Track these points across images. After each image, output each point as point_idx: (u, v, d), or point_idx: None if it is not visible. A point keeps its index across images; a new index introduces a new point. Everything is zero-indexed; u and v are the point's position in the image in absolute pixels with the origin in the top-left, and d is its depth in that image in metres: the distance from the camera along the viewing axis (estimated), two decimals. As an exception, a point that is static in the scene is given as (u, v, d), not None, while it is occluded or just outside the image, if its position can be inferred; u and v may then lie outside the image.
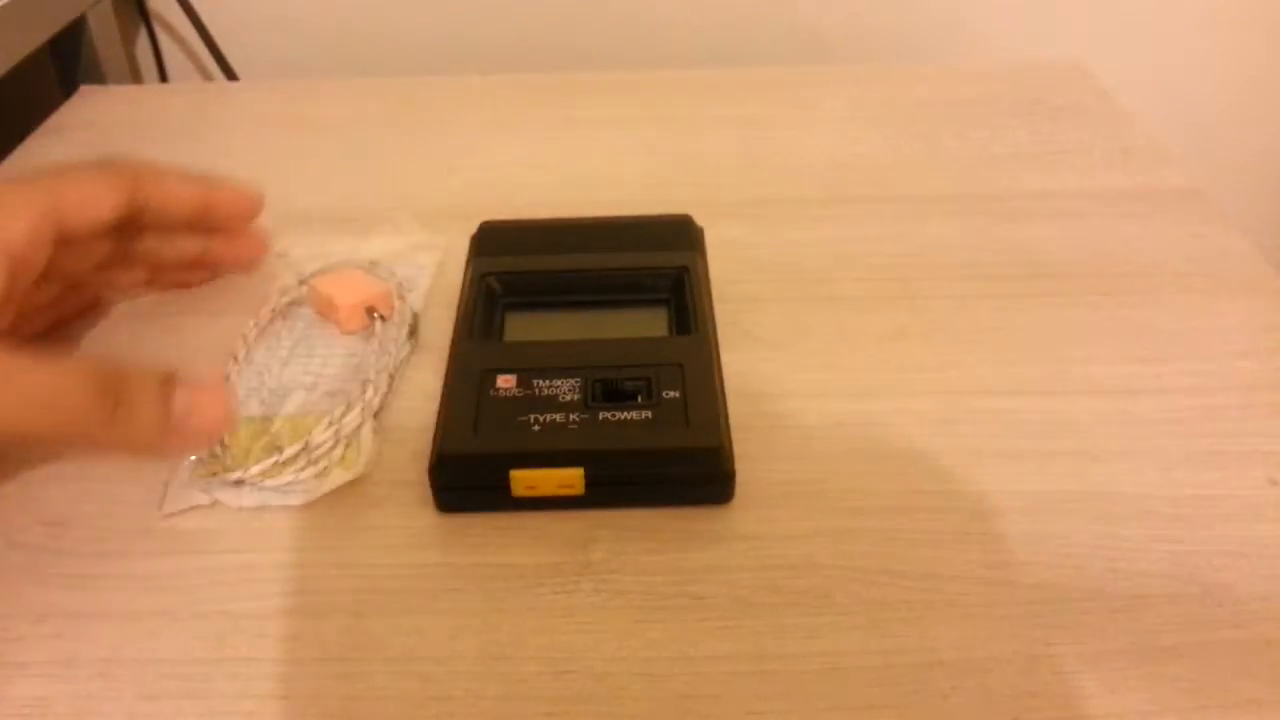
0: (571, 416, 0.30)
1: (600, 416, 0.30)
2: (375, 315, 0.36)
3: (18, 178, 0.29)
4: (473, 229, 0.40)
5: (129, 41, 0.69)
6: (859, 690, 0.26)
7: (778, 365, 0.36)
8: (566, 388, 0.31)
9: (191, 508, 0.30)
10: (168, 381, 0.27)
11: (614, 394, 0.31)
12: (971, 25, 0.72)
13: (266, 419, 0.33)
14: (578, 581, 0.28)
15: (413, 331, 0.37)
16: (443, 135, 0.52)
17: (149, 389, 0.26)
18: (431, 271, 0.40)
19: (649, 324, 0.35)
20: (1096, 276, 0.40)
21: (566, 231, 0.39)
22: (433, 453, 0.30)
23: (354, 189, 0.47)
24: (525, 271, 0.37)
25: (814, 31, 0.72)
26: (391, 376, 0.34)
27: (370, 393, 0.33)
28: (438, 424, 0.31)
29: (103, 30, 0.61)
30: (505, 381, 0.32)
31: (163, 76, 0.72)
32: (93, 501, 0.31)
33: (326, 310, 0.37)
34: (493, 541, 0.30)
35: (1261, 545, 0.29)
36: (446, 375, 0.33)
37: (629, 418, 0.30)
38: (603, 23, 0.69)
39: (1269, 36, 0.75)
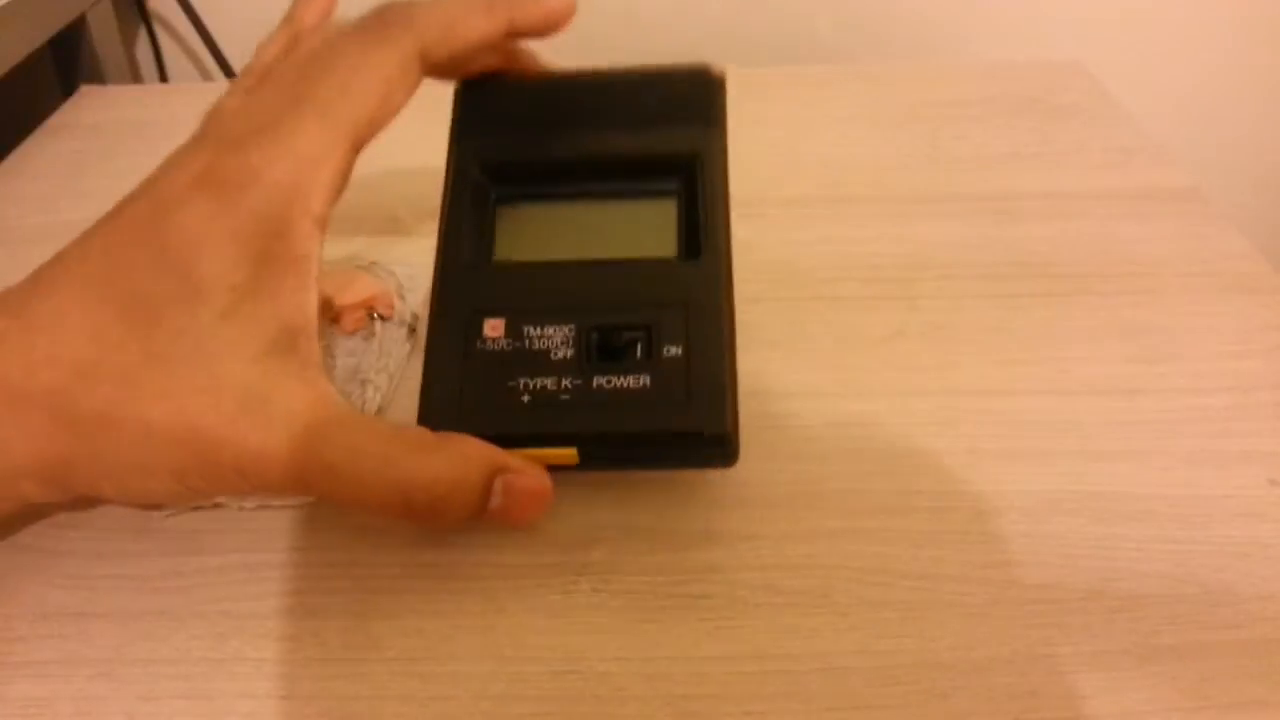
0: (564, 382, 0.28)
1: (595, 383, 0.28)
2: (375, 315, 0.36)
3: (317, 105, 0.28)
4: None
5: (129, 41, 0.69)
6: (859, 690, 0.26)
7: (778, 365, 0.36)
8: (559, 339, 0.28)
9: (192, 508, 0.30)
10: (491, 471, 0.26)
11: (610, 350, 0.28)
12: (971, 25, 0.72)
13: None
14: (578, 581, 0.28)
15: (413, 331, 0.37)
16: (443, 135, 0.52)
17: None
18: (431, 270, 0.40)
19: (656, 228, 0.31)
20: (1096, 276, 0.40)
21: (563, 93, 0.34)
22: (418, 419, 0.28)
23: (354, 188, 0.47)
24: (518, 161, 0.32)
25: (814, 31, 0.72)
26: (391, 376, 0.34)
27: (370, 393, 0.33)
28: (423, 386, 0.28)
29: (103, 30, 0.61)
30: (493, 329, 0.29)
31: (163, 76, 0.72)
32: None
33: (325, 311, 0.37)
34: (493, 541, 0.30)
35: (1262, 545, 0.29)
36: (431, 312, 0.29)
37: (626, 385, 0.28)
38: (602, 23, 0.69)
39: (1269, 37, 0.75)
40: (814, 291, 0.40)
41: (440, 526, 0.26)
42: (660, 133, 0.32)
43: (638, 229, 0.31)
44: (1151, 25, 0.73)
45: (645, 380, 0.28)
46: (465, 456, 0.26)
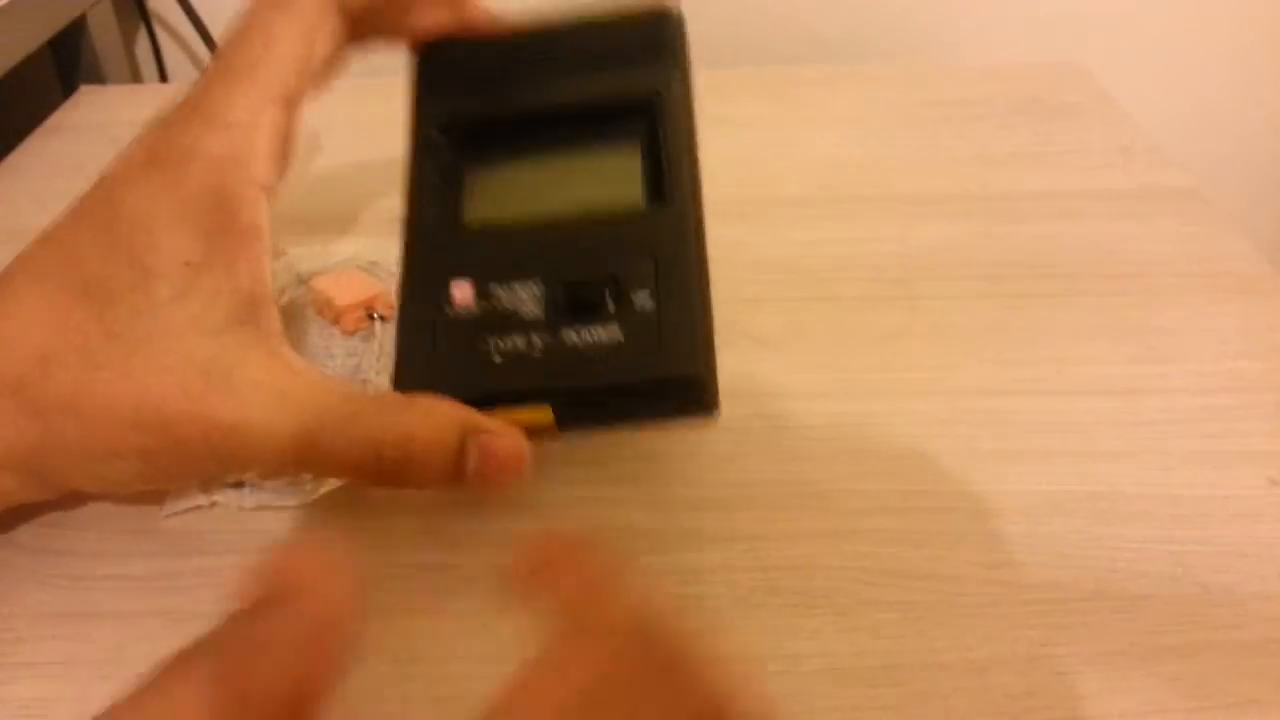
0: (534, 339, 0.27)
1: (567, 339, 0.27)
2: (375, 316, 0.36)
3: None
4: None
5: (129, 41, 0.69)
6: (858, 691, 0.26)
7: (777, 365, 0.36)
8: (528, 298, 0.28)
9: (192, 508, 0.30)
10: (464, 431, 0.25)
11: (580, 305, 0.28)
12: (971, 26, 0.72)
13: None
14: (577, 582, 0.28)
15: None
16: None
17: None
18: None
19: (621, 177, 0.31)
20: (1096, 277, 0.40)
21: (521, 48, 0.33)
22: (393, 386, 0.28)
23: (355, 189, 0.47)
24: (479, 120, 0.32)
25: (814, 31, 0.72)
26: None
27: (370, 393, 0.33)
28: (396, 355, 0.28)
29: (103, 30, 0.61)
30: (462, 293, 0.28)
31: (163, 76, 0.72)
32: (93, 501, 0.31)
33: (326, 311, 0.37)
34: (493, 541, 0.30)
35: (1262, 545, 0.29)
36: (402, 281, 0.29)
37: (597, 338, 0.27)
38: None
39: (1268, 36, 0.75)
40: (814, 291, 0.40)
41: (416, 486, 0.26)
42: (619, 77, 0.32)
43: (603, 180, 0.31)
44: (1151, 26, 0.73)
45: (616, 331, 0.27)
46: (437, 414, 0.26)
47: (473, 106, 0.32)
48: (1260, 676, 0.26)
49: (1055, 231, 0.43)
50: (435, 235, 0.30)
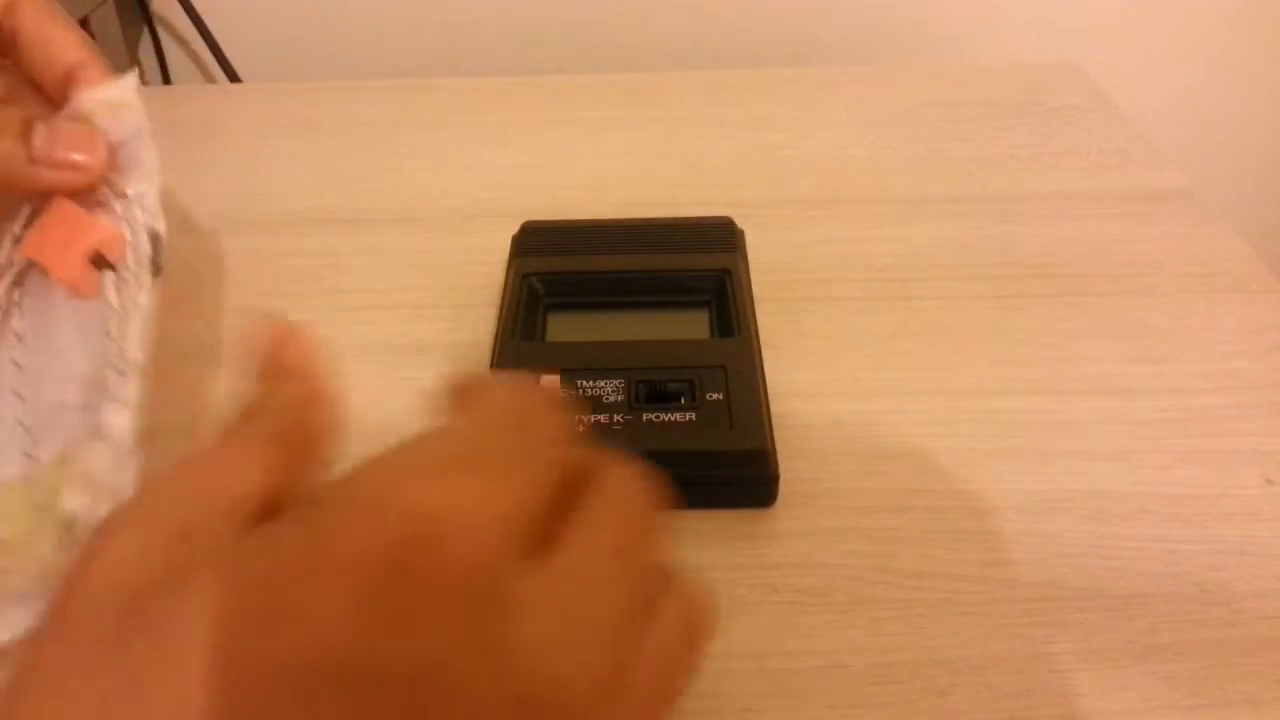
0: (616, 417, 0.31)
1: (644, 418, 0.31)
2: (105, 267, 0.24)
3: None
4: (473, 229, 0.40)
5: (131, 43, 0.69)
6: (857, 688, 0.26)
7: (777, 365, 0.36)
8: (610, 389, 0.31)
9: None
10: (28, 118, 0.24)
11: (658, 395, 0.31)
12: (969, 28, 0.72)
13: (31, 475, 0.22)
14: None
15: (156, 266, 0.24)
16: (444, 136, 0.52)
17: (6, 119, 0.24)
18: (156, 150, 0.26)
19: (691, 326, 0.35)
20: (1093, 277, 0.40)
21: (607, 232, 0.39)
22: None
23: (356, 190, 0.47)
24: (567, 272, 0.37)
25: (812, 33, 0.72)
26: (144, 344, 0.23)
27: (125, 385, 0.23)
28: None
29: (105, 32, 0.62)
30: (549, 382, 0.32)
31: (165, 79, 0.72)
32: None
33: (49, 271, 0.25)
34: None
35: (1258, 544, 0.29)
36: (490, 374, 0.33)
37: (673, 419, 0.30)
38: (603, 25, 0.69)
39: (1265, 37, 0.75)
40: (813, 292, 0.40)
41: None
42: (693, 256, 0.38)
43: (675, 325, 0.35)
44: (1148, 27, 0.74)
45: (690, 415, 0.31)
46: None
47: (562, 263, 0.38)
48: (1256, 674, 0.26)
49: (1053, 232, 0.43)
50: (521, 344, 0.34)
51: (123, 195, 0.25)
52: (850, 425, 0.33)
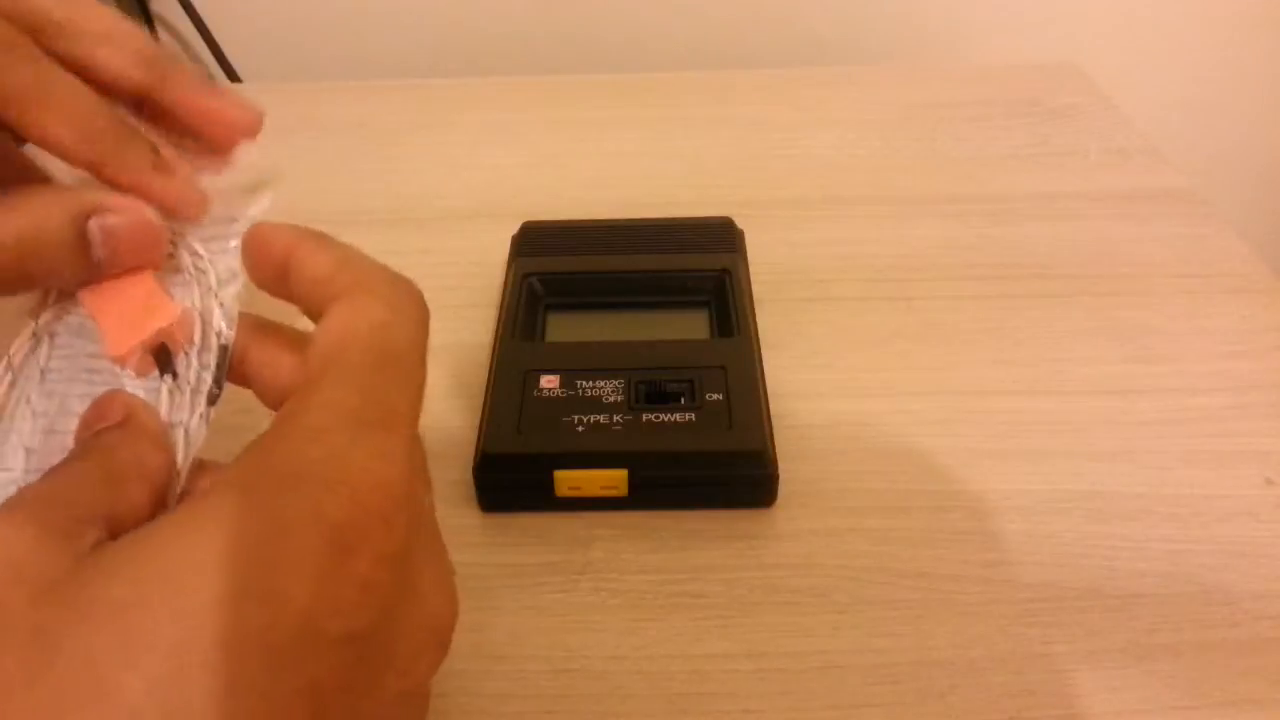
0: (615, 418, 0.31)
1: (644, 418, 0.31)
2: (164, 363, 0.22)
3: None
4: (473, 229, 0.40)
5: (130, 43, 0.69)
6: (856, 689, 0.26)
7: (776, 365, 0.36)
8: (610, 389, 0.31)
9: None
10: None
11: (657, 395, 0.31)
12: (969, 27, 0.72)
13: None
14: (577, 581, 0.29)
15: (217, 387, 0.22)
16: (445, 136, 0.52)
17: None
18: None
19: (691, 326, 0.35)
20: (1093, 277, 0.40)
21: (607, 232, 0.39)
22: (477, 452, 0.30)
23: (356, 190, 0.47)
24: (567, 272, 0.37)
25: (813, 33, 0.72)
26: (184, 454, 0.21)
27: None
28: (481, 423, 0.31)
29: (104, 32, 0.61)
30: (548, 382, 0.32)
31: (164, 78, 0.72)
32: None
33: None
34: (492, 541, 0.30)
35: (1258, 544, 0.29)
36: (489, 374, 0.33)
37: (673, 419, 0.30)
38: (604, 25, 0.69)
39: (1266, 38, 0.75)
40: (813, 292, 0.40)
41: (51, 284, 0.23)
42: (692, 256, 0.38)
43: (675, 325, 0.35)
44: (1147, 27, 0.74)
45: (690, 416, 0.31)
46: (44, 204, 0.22)
47: (561, 263, 0.38)
48: (1256, 674, 0.26)
49: (1052, 232, 0.43)
50: (521, 344, 0.34)
51: (208, 288, 0.23)
52: (850, 425, 0.33)
